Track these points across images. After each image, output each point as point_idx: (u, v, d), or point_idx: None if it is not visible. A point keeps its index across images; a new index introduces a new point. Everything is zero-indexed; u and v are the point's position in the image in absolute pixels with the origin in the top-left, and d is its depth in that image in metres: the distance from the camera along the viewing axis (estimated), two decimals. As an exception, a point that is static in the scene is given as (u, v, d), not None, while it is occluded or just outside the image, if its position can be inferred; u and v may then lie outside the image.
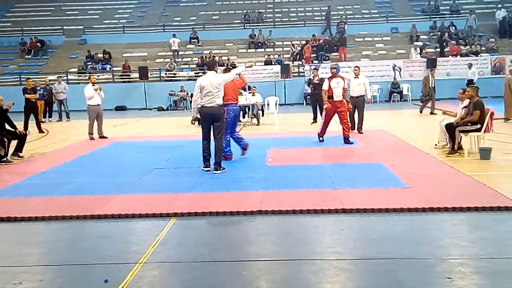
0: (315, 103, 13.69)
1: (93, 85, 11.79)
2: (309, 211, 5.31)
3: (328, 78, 10.07)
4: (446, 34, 23.86)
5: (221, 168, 7.35)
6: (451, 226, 4.87)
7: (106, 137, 11.79)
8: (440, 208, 5.24)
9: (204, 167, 7.47)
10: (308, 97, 17.12)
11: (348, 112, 10.81)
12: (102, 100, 11.93)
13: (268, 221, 5.18)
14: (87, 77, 23.51)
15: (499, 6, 26.51)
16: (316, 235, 4.81)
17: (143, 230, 5.14)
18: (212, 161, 7.51)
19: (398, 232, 4.74)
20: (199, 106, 7.33)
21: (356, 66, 11.84)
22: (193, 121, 7.89)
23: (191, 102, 10.14)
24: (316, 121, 13.59)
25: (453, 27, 24.85)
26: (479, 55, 22.46)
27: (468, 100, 8.36)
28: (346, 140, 9.76)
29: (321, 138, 10.07)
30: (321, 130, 10.08)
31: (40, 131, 13.70)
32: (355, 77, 11.26)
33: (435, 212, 5.19)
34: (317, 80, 13.58)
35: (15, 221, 5.35)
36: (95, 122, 11.82)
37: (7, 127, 9.33)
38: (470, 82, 20.03)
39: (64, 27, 28.22)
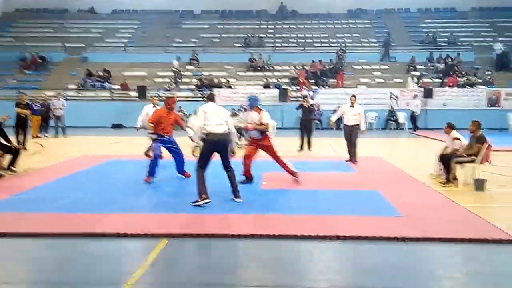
0: (304, 129, 13.45)
1: (154, 106, 11.03)
2: (303, 236, 5.26)
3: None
4: (456, 67, 24.33)
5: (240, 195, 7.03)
6: (444, 257, 4.83)
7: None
8: (434, 238, 5.20)
9: (201, 200, 6.58)
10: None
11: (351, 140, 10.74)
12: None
13: (260, 245, 5.12)
14: (85, 95, 23.65)
15: (499, 39, 26.94)
16: (309, 261, 4.76)
17: (134, 251, 5.08)
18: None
19: (392, 262, 4.70)
20: (205, 132, 6.83)
21: (352, 95, 11.22)
22: (194, 152, 7.57)
23: (187, 126, 9.79)
24: (302, 149, 13.36)
25: (450, 59, 25.21)
26: (474, 87, 22.72)
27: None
28: (294, 175, 8.46)
29: (243, 179, 8.23)
30: (243, 170, 8.37)
31: (24, 148, 12.58)
32: (350, 106, 10.94)
33: (429, 242, 5.15)
34: (307, 105, 13.48)
35: (4, 237, 5.27)
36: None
37: (2, 141, 9.29)
38: (412, 113, 20.47)
39: (66, 44, 28.44)
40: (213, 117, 6.90)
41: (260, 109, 8.46)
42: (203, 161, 6.83)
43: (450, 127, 8.89)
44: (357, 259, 4.82)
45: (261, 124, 8.28)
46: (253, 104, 8.48)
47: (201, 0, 32.79)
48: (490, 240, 5.17)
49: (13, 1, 33.65)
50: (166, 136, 8.59)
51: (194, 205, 6.52)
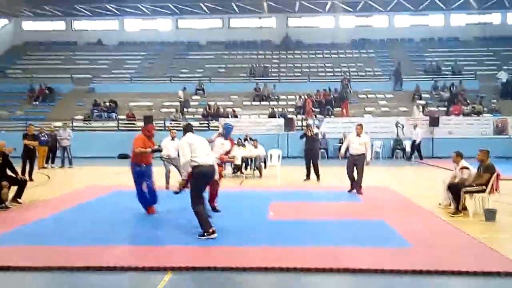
0: (309, 159, 13.22)
1: (173, 139, 11.39)
2: (310, 269, 5.15)
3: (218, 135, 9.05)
4: (459, 95, 24.38)
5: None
6: (457, 291, 4.70)
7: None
8: (445, 271, 5.07)
9: (207, 235, 6.45)
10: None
11: (349, 168, 10.69)
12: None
13: (268, 279, 5.01)
14: (92, 125, 23.86)
15: (504, 67, 27.10)
16: (317, 295, 4.64)
17: (138, 285, 4.98)
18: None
19: (402, 296, 4.57)
20: (195, 164, 6.59)
21: (358, 124, 11.01)
22: (183, 187, 7.00)
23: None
24: (309, 178, 13.15)
25: (454, 87, 25.31)
26: (480, 115, 22.71)
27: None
28: (214, 209, 8.36)
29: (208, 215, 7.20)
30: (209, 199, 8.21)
31: (30, 179, 12.86)
32: (356, 135, 10.76)
33: (440, 275, 5.02)
34: (311, 134, 13.22)
35: (7, 271, 5.20)
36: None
37: (8, 172, 9.30)
38: (413, 142, 20.33)
39: (73, 76, 28.85)
40: (200, 148, 6.71)
41: (233, 141, 9.08)
42: (198, 196, 6.64)
43: (459, 155, 8.81)
44: (366, 293, 4.70)
45: (231, 156, 9.01)
46: (228, 133, 8.88)
47: (207, 31, 33.43)
48: (502, 273, 5.03)
49: (23, 34, 34.44)
50: (143, 166, 8.19)
51: (200, 238, 6.44)
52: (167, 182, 11.53)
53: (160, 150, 8.28)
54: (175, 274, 5.07)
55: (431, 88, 26.17)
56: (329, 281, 4.96)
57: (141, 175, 8.23)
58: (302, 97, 24.62)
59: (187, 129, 7.08)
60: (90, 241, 6.36)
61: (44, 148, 17.10)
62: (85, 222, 7.62)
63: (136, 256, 5.63)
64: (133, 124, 23.58)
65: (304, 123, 21.87)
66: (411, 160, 20.19)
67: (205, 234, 6.46)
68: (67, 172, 16.68)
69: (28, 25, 34.75)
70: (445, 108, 24.14)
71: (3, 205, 8.75)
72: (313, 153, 13.26)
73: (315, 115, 23.39)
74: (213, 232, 6.46)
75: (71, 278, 5.04)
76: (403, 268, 5.13)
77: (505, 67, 27.24)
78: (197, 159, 6.58)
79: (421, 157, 20.34)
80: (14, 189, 9.23)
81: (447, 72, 28.00)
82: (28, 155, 13.58)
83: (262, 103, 25.79)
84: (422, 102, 24.53)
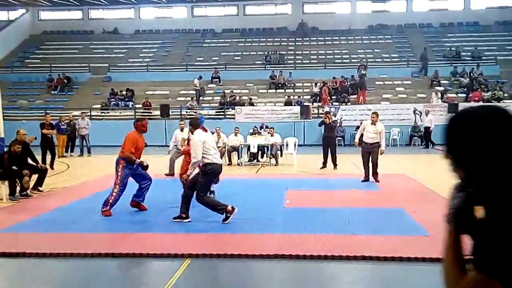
0: (327, 147, 13.11)
1: (182, 130, 11.67)
2: (327, 257, 5.15)
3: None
4: (475, 81, 23.94)
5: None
6: (476, 279, 4.65)
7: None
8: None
9: (229, 213, 6.47)
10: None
11: (364, 158, 10.54)
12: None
13: (285, 266, 5.04)
14: (109, 114, 24.09)
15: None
16: (335, 283, 4.66)
17: (157, 271, 5.06)
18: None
19: (421, 284, 4.55)
20: (208, 162, 6.57)
21: (373, 112, 10.77)
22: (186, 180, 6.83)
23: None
24: (326, 166, 13.05)
25: (474, 73, 24.82)
26: (501, 102, 22.26)
27: None
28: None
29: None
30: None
31: (52, 168, 12.98)
32: (371, 124, 10.47)
33: (459, 263, 4.97)
34: (330, 122, 13.11)
35: (29, 257, 5.32)
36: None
37: (29, 161, 9.46)
38: (426, 129, 19.96)
39: (91, 65, 29.08)
40: (211, 147, 6.68)
41: (206, 130, 8.48)
42: (205, 191, 6.67)
43: None
44: (384, 281, 4.69)
45: None
46: (201, 123, 8.41)
47: (222, 18, 33.32)
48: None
49: (41, 23, 34.77)
50: (136, 162, 7.50)
51: (227, 222, 6.45)
52: (171, 170, 11.52)
53: (146, 168, 7.64)
54: (193, 261, 5.12)
55: (450, 74, 25.73)
56: (345, 269, 4.96)
57: (131, 170, 7.60)
58: (318, 84, 24.45)
59: (196, 124, 6.94)
60: (108, 229, 6.48)
61: (63, 136, 17.33)
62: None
63: (154, 243, 5.70)
64: (150, 112, 23.73)
65: (321, 111, 21.74)
66: (429, 147, 19.95)
67: (228, 215, 6.46)
68: (86, 160, 16.91)
69: (46, 15, 35.07)
70: (464, 95, 23.75)
71: (25, 193, 8.92)
72: (331, 140, 13.16)
73: (331, 103, 23.23)
74: (233, 208, 6.50)
75: (91, 264, 5.14)
76: (421, 256, 5.11)
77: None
78: (209, 157, 6.58)
79: (433, 144, 20.01)
80: (34, 177, 9.40)
81: (466, 58, 27.47)
82: (48, 144, 13.80)
83: (278, 90, 25.68)
84: (441, 88, 24.13)
